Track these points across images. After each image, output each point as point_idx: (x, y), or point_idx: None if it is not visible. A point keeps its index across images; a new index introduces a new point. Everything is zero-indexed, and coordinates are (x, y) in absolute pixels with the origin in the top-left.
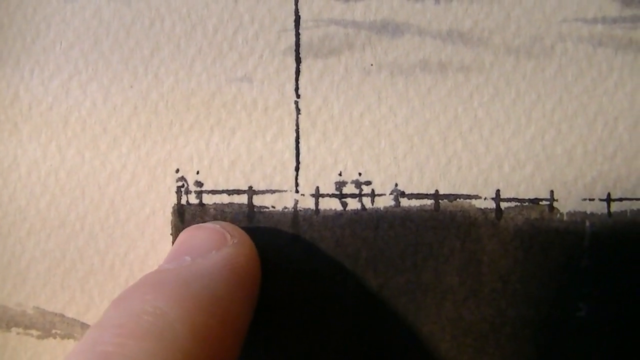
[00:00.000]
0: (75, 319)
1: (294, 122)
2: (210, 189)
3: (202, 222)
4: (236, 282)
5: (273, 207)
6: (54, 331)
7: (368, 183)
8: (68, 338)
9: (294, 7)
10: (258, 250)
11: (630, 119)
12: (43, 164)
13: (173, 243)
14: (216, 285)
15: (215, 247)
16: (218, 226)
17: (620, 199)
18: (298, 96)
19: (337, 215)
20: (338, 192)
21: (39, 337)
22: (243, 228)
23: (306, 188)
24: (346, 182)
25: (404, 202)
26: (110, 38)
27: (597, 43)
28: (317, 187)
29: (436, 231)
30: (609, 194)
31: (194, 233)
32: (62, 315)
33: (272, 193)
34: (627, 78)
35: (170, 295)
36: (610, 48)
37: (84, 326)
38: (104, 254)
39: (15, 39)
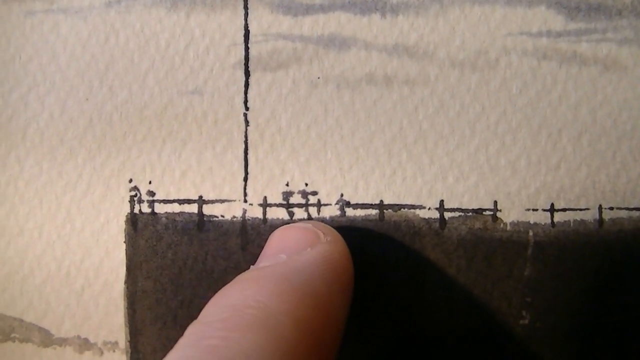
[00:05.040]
0: (33, 324)
1: (243, 134)
2: (162, 198)
3: (155, 231)
4: (333, 277)
5: (222, 216)
6: (12, 335)
7: (314, 193)
8: (26, 342)
9: (243, 22)
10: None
11: (573, 131)
12: (2, 175)
13: (126, 251)
14: (315, 281)
15: (309, 244)
16: (310, 225)
17: (564, 209)
18: (247, 109)
19: (284, 224)
20: (285, 202)
21: None
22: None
23: (254, 198)
24: (293, 192)
25: (349, 212)
26: (67, 52)
27: (541, 56)
28: (265, 197)
29: (380, 241)
30: (552, 205)
31: (286, 232)
32: (21, 320)
33: (221, 203)
34: (571, 91)
35: (271, 289)
36: (554, 61)
37: (42, 330)
38: (60, 261)
39: None
